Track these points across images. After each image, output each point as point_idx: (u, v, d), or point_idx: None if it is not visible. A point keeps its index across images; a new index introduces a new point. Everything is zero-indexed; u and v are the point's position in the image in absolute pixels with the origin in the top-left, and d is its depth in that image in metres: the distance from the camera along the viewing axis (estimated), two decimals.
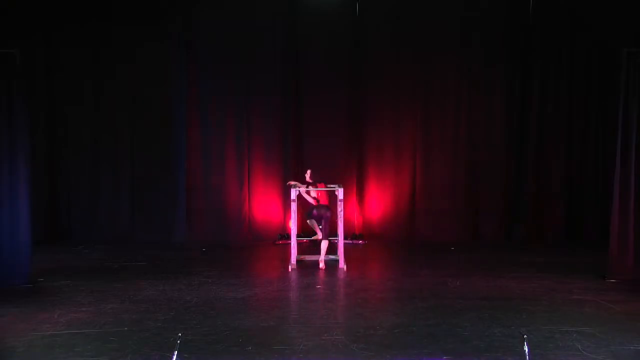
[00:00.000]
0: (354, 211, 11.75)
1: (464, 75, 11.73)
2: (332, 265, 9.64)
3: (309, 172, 9.78)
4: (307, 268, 9.48)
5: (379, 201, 11.82)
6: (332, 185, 9.87)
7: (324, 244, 9.57)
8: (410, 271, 9.27)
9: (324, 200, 9.72)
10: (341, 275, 9.11)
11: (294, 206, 9.64)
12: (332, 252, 10.11)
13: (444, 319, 6.88)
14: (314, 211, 9.63)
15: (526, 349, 5.42)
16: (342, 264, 9.43)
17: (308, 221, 10.12)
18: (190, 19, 11.61)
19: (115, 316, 7.02)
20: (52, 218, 11.61)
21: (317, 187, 9.66)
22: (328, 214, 9.60)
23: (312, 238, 10.44)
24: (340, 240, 9.51)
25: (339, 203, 9.53)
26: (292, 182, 9.85)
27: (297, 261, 9.58)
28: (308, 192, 9.69)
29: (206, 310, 7.27)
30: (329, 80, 11.68)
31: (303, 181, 9.87)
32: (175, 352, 5.47)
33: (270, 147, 11.73)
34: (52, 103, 11.60)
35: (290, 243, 9.72)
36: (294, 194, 9.62)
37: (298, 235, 10.11)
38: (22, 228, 8.38)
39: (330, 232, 10.48)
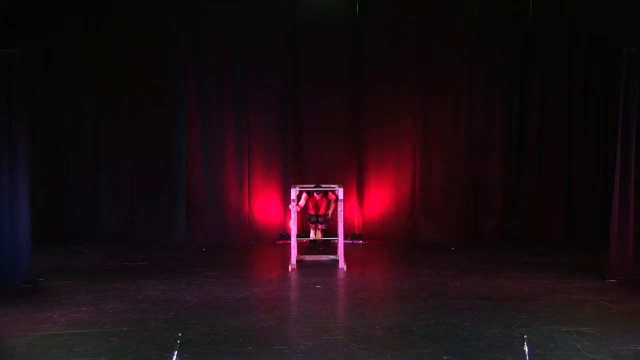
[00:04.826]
0: (354, 211, 11.75)
1: (464, 75, 11.71)
2: (332, 265, 9.65)
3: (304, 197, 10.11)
4: (307, 268, 9.48)
5: (379, 201, 11.81)
6: (331, 186, 9.89)
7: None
8: (410, 271, 9.26)
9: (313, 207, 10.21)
10: (341, 275, 9.11)
11: (294, 206, 9.66)
12: (332, 252, 10.14)
13: (444, 319, 6.88)
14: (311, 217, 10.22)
15: (526, 349, 5.42)
16: (342, 264, 9.43)
17: (310, 223, 10.31)
18: (190, 18, 11.59)
19: (115, 316, 7.02)
20: (52, 218, 11.60)
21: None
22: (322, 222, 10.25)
23: (311, 238, 10.47)
24: (340, 240, 9.51)
25: (339, 203, 9.55)
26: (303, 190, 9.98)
27: (297, 261, 9.58)
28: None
29: (206, 310, 7.27)
30: (329, 82, 11.64)
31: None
32: (175, 352, 5.47)
33: (271, 147, 11.71)
34: (52, 103, 11.58)
35: (290, 243, 9.72)
36: (294, 193, 9.64)
37: (298, 235, 10.12)
38: (22, 228, 8.37)
39: (330, 232, 10.53)
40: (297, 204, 9.78)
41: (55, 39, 11.47)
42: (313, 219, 10.32)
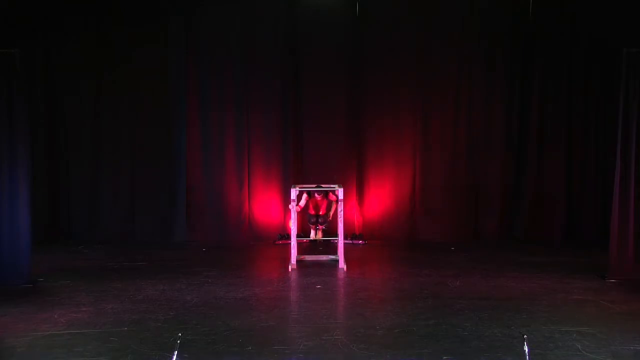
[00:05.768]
0: (354, 211, 11.74)
1: (464, 75, 11.71)
2: (332, 265, 9.65)
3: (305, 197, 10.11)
4: (307, 268, 9.48)
5: (379, 201, 11.81)
6: (331, 186, 9.89)
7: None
8: (410, 271, 9.27)
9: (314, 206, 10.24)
10: (341, 275, 9.11)
11: (293, 206, 9.66)
12: (332, 252, 10.14)
13: (444, 319, 6.88)
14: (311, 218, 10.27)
15: (526, 349, 5.42)
16: (342, 264, 9.43)
17: (310, 224, 10.31)
18: (190, 18, 11.59)
19: (115, 316, 7.02)
20: (52, 218, 11.59)
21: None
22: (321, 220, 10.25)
23: (311, 238, 10.47)
24: (340, 240, 9.51)
25: (339, 203, 9.55)
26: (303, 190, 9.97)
27: (297, 261, 9.58)
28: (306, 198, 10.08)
29: (206, 310, 7.27)
30: (329, 82, 11.64)
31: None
32: (175, 352, 5.47)
33: (271, 147, 11.71)
34: (52, 103, 11.58)
35: (290, 243, 9.72)
36: (294, 193, 9.64)
37: (298, 235, 10.12)
38: (22, 228, 8.37)
39: (330, 232, 10.52)
40: (297, 204, 9.78)
41: (55, 39, 11.46)
42: (313, 219, 10.31)
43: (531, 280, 8.61)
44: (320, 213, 10.22)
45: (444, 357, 5.77)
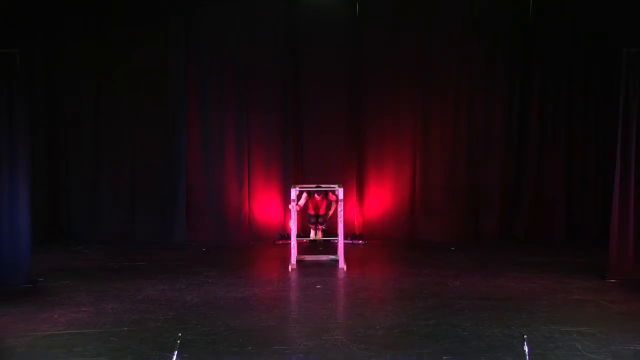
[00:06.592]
0: (354, 211, 11.75)
1: (464, 75, 11.71)
2: (332, 265, 9.65)
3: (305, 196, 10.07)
4: (307, 268, 9.48)
5: (379, 201, 11.81)
6: (331, 186, 9.89)
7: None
8: (410, 271, 9.27)
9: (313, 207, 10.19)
10: (341, 275, 9.11)
11: (293, 206, 9.66)
12: (332, 252, 10.14)
13: (444, 319, 6.88)
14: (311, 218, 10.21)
15: (526, 349, 5.42)
16: (342, 264, 9.43)
17: (310, 224, 10.31)
18: (190, 18, 11.60)
19: (115, 316, 7.02)
20: (52, 218, 11.60)
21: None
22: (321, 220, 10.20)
23: (311, 238, 10.47)
24: (340, 240, 9.51)
25: (339, 203, 9.55)
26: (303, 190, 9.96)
27: (297, 261, 9.58)
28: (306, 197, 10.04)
29: (206, 310, 7.27)
30: (329, 82, 11.64)
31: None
32: (175, 352, 5.47)
33: (271, 147, 11.72)
34: (52, 103, 11.58)
35: (290, 243, 9.72)
36: (294, 193, 9.64)
37: (298, 235, 10.12)
38: (22, 228, 8.36)
39: (330, 232, 10.52)
40: (297, 204, 9.78)
41: (55, 39, 11.46)
42: (313, 219, 10.30)
43: (531, 280, 8.61)
44: (320, 213, 10.22)
45: (444, 357, 5.77)
